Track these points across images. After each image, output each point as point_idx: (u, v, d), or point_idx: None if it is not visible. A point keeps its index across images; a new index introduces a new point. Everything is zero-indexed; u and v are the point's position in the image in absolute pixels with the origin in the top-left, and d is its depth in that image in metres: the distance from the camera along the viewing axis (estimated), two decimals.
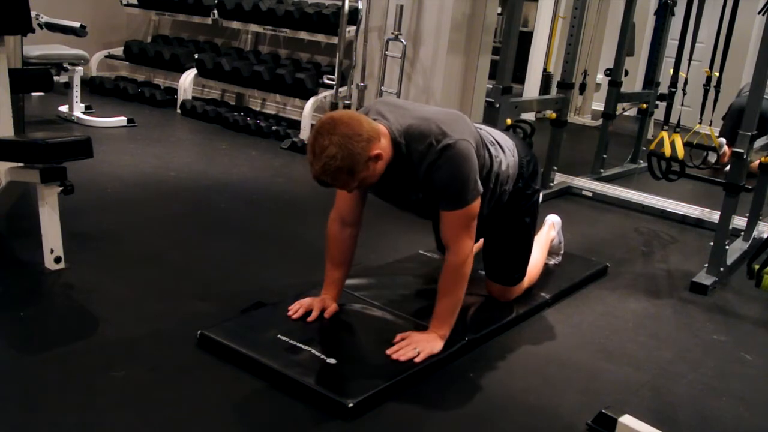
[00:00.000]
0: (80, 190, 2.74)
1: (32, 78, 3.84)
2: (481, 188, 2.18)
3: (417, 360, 2.13)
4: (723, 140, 4.47)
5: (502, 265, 2.62)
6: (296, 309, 2.35)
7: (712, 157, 4.89)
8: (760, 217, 3.67)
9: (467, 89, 4.96)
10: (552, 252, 3.08)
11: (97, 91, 6.15)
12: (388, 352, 2.15)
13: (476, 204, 2.17)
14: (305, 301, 2.37)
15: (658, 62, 5.40)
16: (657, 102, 5.37)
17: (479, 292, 2.68)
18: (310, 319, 2.32)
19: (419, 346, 2.17)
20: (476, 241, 2.33)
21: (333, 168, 1.96)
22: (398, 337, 2.23)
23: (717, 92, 4.29)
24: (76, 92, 5.09)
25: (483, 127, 2.50)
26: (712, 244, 3.22)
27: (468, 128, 2.20)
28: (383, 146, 2.06)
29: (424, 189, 2.17)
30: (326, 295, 2.39)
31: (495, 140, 2.41)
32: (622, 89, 5.21)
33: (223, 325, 2.26)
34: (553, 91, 5.10)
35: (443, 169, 2.09)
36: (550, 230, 3.05)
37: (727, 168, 3.37)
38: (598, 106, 6.66)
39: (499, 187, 2.40)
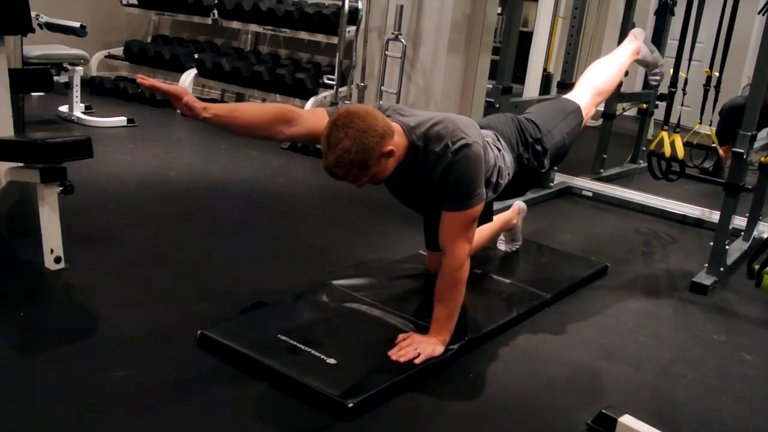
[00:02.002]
0: (80, 190, 2.74)
1: (32, 78, 3.84)
2: (485, 194, 2.20)
3: (417, 362, 2.13)
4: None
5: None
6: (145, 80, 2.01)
7: (708, 163, 4.89)
8: (760, 217, 3.66)
9: (467, 89, 4.96)
10: (513, 239, 3.15)
11: (97, 91, 6.14)
12: (389, 353, 2.15)
13: (478, 208, 2.18)
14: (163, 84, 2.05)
15: None
16: (657, 102, 5.37)
17: (479, 292, 2.68)
18: (147, 84, 2.00)
19: (420, 347, 2.17)
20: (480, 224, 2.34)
21: (346, 161, 1.97)
22: (400, 337, 2.23)
23: (717, 92, 4.29)
24: (76, 92, 5.08)
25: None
26: (712, 244, 3.22)
27: (479, 133, 2.23)
28: (396, 143, 2.08)
29: (435, 190, 2.18)
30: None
31: (494, 138, 2.44)
32: (622, 89, 5.20)
33: (223, 325, 2.26)
34: (553, 91, 5.10)
35: (454, 167, 2.11)
36: (513, 215, 3.08)
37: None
38: (598, 106, 6.64)
39: (502, 180, 2.42)
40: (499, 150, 2.41)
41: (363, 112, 2.02)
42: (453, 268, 2.18)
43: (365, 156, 1.98)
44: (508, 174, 2.44)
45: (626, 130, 6.52)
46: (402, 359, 2.13)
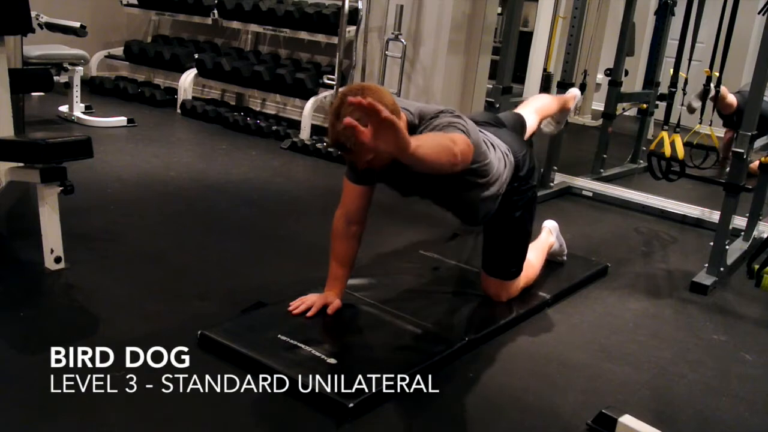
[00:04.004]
0: (80, 190, 2.74)
1: (32, 78, 3.84)
2: (470, 135, 2.09)
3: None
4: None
5: (499, 257, 2.62)
6: (297, 305, 2.36)
7: (709, 162, 4.89)
8: (760, 217, 3.66)
9: (467, 89, 4.96)
10: (556, 255, 3.08)
11: (97, 91, 6.14)
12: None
13: (461, 137, 2.02)
14: (307, 298, 2.39)
15: (658, 62, 5.40)
16: (657, 102, 5.37)
17: (478, 293, 2.68)
18: (309, 314, 2.33)
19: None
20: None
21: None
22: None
23: (717, 92, 4.29)
24: (76, 92, 5.09)
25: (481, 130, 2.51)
26: (712, 244, 3.22)
27: (474, 129, 2.22)
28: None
29: (434, 181, 2.18)
30: (329, 292, 2.40)
31: (491, 143, 2.42)
32: (622, 89, 5.21)
33: (223, 325, 2.26)
34: (553, 91, 5.10)
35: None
36: (548, 236, 3.04)
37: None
38: (598, 106, 6.65)
39: (498, 189, 2.41)
40: (498, 154, 2.41)
41: (375, 86, 2.08)
42: (448, 142, 1.97)
43: None
44: (504, 188, 2.45)
45: (626, 130, 6.52)
46: None
